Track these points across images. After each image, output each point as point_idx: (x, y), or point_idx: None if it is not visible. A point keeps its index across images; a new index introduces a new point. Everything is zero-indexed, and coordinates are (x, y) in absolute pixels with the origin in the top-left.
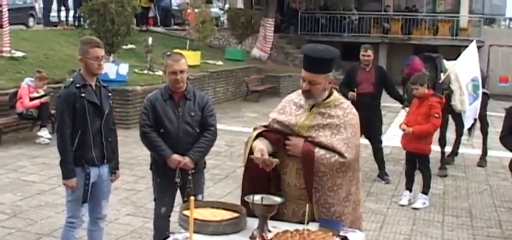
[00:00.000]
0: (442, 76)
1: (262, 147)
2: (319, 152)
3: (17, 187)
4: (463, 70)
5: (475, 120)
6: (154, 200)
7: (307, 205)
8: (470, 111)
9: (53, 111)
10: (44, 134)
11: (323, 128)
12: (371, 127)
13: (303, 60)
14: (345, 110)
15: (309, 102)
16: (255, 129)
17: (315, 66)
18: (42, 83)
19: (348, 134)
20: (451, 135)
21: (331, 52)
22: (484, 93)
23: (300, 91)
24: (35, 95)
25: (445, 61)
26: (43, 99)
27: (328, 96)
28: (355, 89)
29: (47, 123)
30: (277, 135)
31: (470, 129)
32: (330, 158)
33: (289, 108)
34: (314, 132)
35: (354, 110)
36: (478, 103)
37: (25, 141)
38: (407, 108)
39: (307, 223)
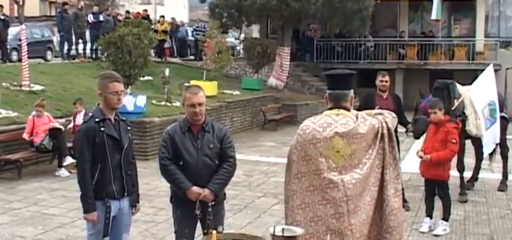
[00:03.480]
0: (456, 102)
1: None
2: None
3: (37, 220)
4: (479, 94)
5: (496, 145)
6: (175, 232)
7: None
8: (489, 136)
9: (69, 145)
10: (68, 161)
11: None
12: None
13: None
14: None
15: None
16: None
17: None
18: (41, 108)
19: None
20: (470, 160)
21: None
22: (502, 117)
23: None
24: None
25: (459, 86)
26: (52, 125)
27: None
28: None
29: (66, 156)
30: None
31: (491, 154)
32: None
33: None
34: None
35: None
36: (496, 127)
37: (45, 174)
38: (409, 134)
39: None
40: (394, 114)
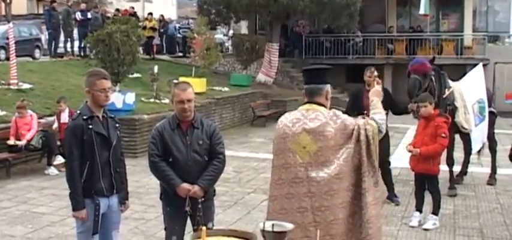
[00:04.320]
0: (446, 91)
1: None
2: None
3: (27, 219)
4: (469, 90)
5: (484, 143)
6: (165, 229)
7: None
8: (478, 132)
9: (59, 143)
10: (58, 160)
11: None
12: (379, 149)
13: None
14: None
15: None
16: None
17: None
18: (23, 109)
19: None
20: (459, 154)
21: None
22: (491, 112)
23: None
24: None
25: (449, 80)
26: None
27: None
28: (365, 112)
29: (56, 155)
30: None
31: (479, 150)
32: None
33: None
34: None
35: None
36: (485, 125)
37: (34, 172)
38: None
39: None
40: (383, 117)
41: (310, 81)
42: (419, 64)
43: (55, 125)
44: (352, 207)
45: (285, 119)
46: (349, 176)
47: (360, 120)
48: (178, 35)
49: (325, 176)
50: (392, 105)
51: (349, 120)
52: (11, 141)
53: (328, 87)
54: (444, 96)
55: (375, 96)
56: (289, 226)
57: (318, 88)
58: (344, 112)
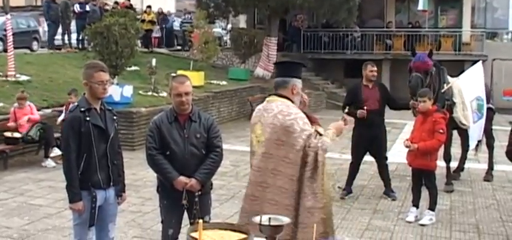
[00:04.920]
0: (445, 87)
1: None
2: None
3: (24, 211)
4: (467, 87)
5: (480, 140)
6: (162, 222)
7: (315, 224)
8: (475, 129)
9: (57, 135)
10: (55, 152)
11: None
12: (376, 144)
13: (301, 72)
14: None
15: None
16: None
17: None
18: (23, 100)
19: None
20: (456, 150)
21: None
22: (489, 108)
23: (290, 104)
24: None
25: (448, 76)
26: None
27: None
28: (365, 107)
29: (53, 147)
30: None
31: (476, 146)
32: None
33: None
34: None
35: None
36: (482, 122)
37: (31, 164)
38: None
39: None
40: (329, 144)
41: (278, 73)
42: (421, 62)
43: (61, 117)
44: (283, 208)
45: (256, 111)
46: (283, 176)
47: (313, 140)
48: (177, 29)
49: (260, 167)
50: (389, 100)
51: (302, 127)
52: (9, 133)
53: (294, 81)
54: (443, 91)
55: (336, 130)
56: (286, 220)
57: (283, 81)
58: (343, 106)
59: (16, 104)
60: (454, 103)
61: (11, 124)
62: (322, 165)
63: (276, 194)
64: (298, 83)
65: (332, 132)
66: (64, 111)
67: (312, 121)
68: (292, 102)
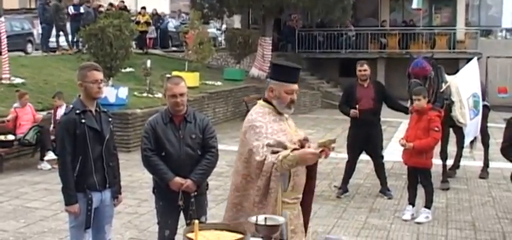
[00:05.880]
0: (444, 86)
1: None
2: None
3: (19, 214)
4: (464, 84)
5: (475, 137)
6: (158, 223)
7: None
8: (471, 126)
9: (53, 137)
10: (49, 156)
11: (295, 126)
12: (372, 143)
13: (287, 75)
14: None
15: (291, 112)
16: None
17: (298, 76)
18: (24, 99)
19: None
20: (452, 148)
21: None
22: (484, 106)
23: (262, 110)
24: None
25: (445, 75)
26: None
27: None
28: (357, 106)
29: (48, 150)
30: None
31: (471, 143)
32: None
33: (277, 127)
34: (298, 133)
35: None
36: (478, 119)
37: (26, 167)
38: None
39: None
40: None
41: (296, 81)
42: (420, 68)
43: (51, 127)
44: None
45: None
46: (238, 174)
47: (272, 156)
48: (172, 30)
49: (235, 162)
50: (386, 98)
51: (250, 138)
52: (2, 137)
53: (271, 82)
54: (441, 90)
55: (299, 159)
56: (281, 220)
57: (266, 83)
58: (338, 106)
59: (17, 104)
60: (452, 102)
61: (10, 118)
62: (274, 193)
63: (232, 192)
64: (274, 84)
65: (295, 158)
66: (53, 116)
67: (302, 143)
68: (271, 104)
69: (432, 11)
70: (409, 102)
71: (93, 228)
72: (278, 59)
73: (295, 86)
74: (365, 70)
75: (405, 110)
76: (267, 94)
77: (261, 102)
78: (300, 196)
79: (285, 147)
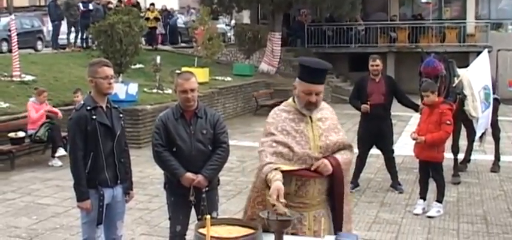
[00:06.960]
0: (456, 80)
1: (279, 185)
2: (340, 156)
3: (32, 210)
4: (475, 77)
5: (485, 129)
6: (169, 218)
7: (322, 219)
8: (482, 119)
9: (64, 134)
10: (60, 153)
11: (327, 131)
12: (382, 137)
13: (307, 74)
14: (328, 108)
15: (310, 113)
16: (266, 164)
17: (321, 77)
18: (42, 96)
19: (341, 127)
20: (463, 142)
21: (326, 63)
22: (494, 99)
23: (283, 107)
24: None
25: (457, 69)
26: (49, 108)
27: None
28: (369, 101)
29: (59, 147)
30: (301, 170)
31: (481, 136)
32: (347, 156)
33: (290, 127)
34: (324, 139)
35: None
36: (489, 111)
37: (38, 164)
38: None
39: (324, 237)
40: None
41: (318, 81)
42: (432, 68)
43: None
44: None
45: None
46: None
47: (266, 167)
48: (181, 25)
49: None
50: (397, 93)
51: (263, 138)
52: (13, 134)
53: (296, 81)
54: (454, 85)
55: (273, 189)
56: (293, 215)
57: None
58: (349, 99)
59: (33, 99)
60: (465, 96)
61: (30, 112)
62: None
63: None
64: (297, 82)
65: (272, 183)
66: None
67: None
68: (293, 101)
69: (442, 5)
70: (420, 99)
71: (104, 224)
72: (288, 54)
73: (315, 87)
74: (377, 65)
75: (415, 107)
76: (293, 91)
77: (289, 99)
78: (308, 202)
79: (289, 148)
